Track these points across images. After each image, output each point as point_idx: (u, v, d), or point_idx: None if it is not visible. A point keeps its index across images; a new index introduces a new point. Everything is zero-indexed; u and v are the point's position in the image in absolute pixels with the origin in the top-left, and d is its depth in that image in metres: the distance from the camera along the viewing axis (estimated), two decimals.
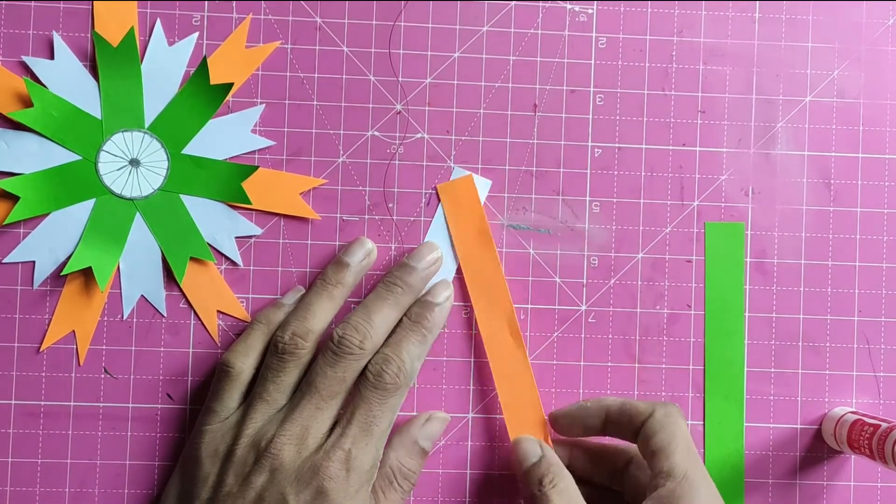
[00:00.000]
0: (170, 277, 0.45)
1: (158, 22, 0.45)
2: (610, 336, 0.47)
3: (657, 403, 0.42)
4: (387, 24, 0.46)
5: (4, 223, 0.44)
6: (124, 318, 0.45)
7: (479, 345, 0.46)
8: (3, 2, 0.45)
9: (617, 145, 0.47)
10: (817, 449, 0.47)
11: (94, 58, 0.45)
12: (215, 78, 0.45)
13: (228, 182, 0.45)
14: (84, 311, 0.45)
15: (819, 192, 0.47)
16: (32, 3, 0.45)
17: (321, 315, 0.43)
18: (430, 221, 0.46)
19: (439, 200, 0.46)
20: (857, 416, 0.44)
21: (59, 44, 0.45)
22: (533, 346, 0.46)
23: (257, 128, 0.46)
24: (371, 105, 0.46)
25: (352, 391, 0.42)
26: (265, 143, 0.46)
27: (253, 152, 0.46)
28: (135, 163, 0.45)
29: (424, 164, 0.46)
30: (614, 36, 0.47)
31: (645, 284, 0.47)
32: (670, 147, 0.47)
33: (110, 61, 0.44)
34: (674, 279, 0.47)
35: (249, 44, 0.46)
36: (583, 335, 0.46)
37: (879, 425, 0.42)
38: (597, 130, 0.47)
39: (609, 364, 0.46)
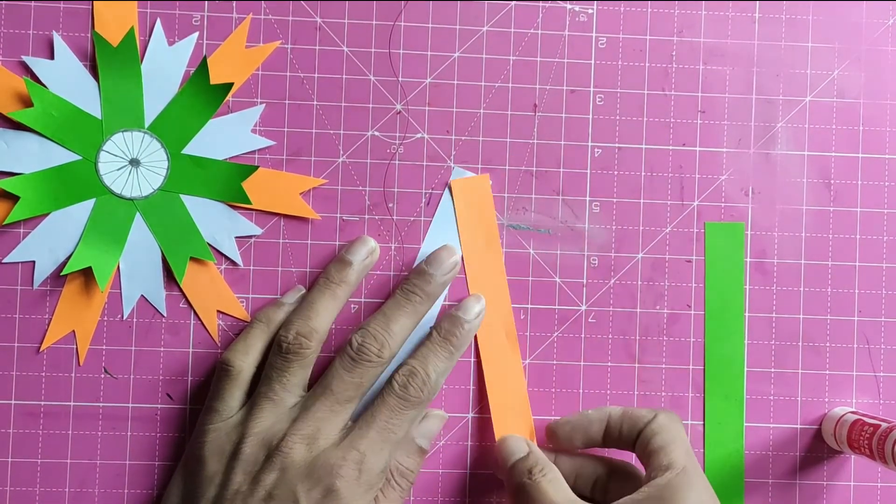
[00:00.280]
0: (170, 277, 0.45)
1: (158, 22, 0.45)
2: (610, 336, 0.47)
3: (660, 410, 0.43)
4: (387, 24, 0.46)
5: (4, 223, 0.44)
6: (124, 318, 0.45)
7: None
8: (3, 2, 0.45)
9: (617, 145, 0.47)
10: (817, 449, 0.47)
11: (94, 58, 0.45)
12: (215, 78, 0.45)
13: (228, 182, 0.45)
14: (84, 311, 0.45)
15: (819, 192, 0.47)
16: (32, 3, 0.45)
17: (325, 314, 0.43)
18: (430, 221, 0.46)
19: (440, 198, 0.46)
20: (857, 416, 0.44)
21: (59, 44, 0.45)
22: (533, 346, 0.46)
23: (257, 128, 0.46)
24: (371, 105, 0.46)
25: (374, 397, 0.42)
26: (265, 143, 0.46)
27: (253, 152, 0.46)
28: (135, 163, 0.45)
29: (424, 164, 0.46)
30: (614, 36, 0.47)
31: (645, 284, 0.47)
32: (670, 147, 0.47)
33: (110, 61, 0.44)
34: (674, 279, 0.47)
35: (249, 44, 0.46)
36: (583, 335, 0.46)
37: (879, 425, 0.42)
38: (597, 130, 0.47)
39: (609, 364, 0.46)
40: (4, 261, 0.45)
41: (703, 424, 0.46)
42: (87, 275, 0.45)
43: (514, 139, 0.46)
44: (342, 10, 0.46)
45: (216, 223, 0.45)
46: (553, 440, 0.45)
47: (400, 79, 0.46)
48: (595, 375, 0.46)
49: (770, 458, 0.46)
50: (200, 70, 0.45)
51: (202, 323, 0.45)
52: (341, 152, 0.46)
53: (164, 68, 0.45)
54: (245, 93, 0.46)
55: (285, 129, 0.46)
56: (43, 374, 0.45)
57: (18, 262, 0.45)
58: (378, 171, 0.46)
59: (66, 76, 0.45)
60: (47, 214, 0.44)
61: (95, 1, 0.45)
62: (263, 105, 0.46)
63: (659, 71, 0.47)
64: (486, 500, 0.46)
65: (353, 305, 0.46)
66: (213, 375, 0.44)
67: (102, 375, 0.45)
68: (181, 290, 0.45)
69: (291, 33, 0.46)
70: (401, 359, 0.44)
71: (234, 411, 0.43)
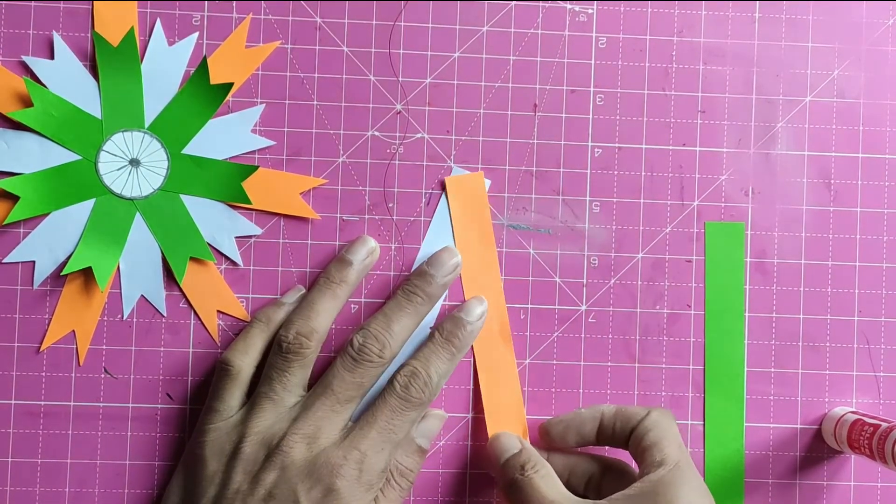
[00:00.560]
0: (170, 277, 0.45)
1: (158, 22, 0.45)
2: (610, 336, 0.47)
3: (653, 408, 0.43)
4: (387, 24, 0.46)
5: (4, 223, 0.44)
6: (124, 318, 0.45)
7: None
8: (4, 2, 0.45)
9: (617, 145, 0.47)
10: (817, 449, 0.47)
11: (94, 58, 0.45)
12: (215, 78, 0.45)
13: (228, 182, 0.45)
14: (84, 311, 0.45)
15: (819, 192, 0.47)
16: (32, 3, 0.45)
17: (325, 314, 0.43)
18: (430, 221, 0.46)
19: (440, 197, 0.46)
20: (857, 416, 0.44)
21: (59, 44, 0.45)
22: (533, 346, 0.46)
23: (257, 128, 0.46)
24: (371, 105, 0.46)
25: (375, 397, 0.42)
26: (265, 143, 0.46)
27: (253, 152, 0.46)
28: (135, 163, 0.45)
29: (424, 164, 0.46)
30: (614, 36, 0.47)
31: (645, 284, 0.47)
32: (670, 147, 0.47)
33: (110, 61, 0.44)
34: (674, 279, 0.47)
35: (249, 44, 0.46)
36: (583, 335, 0.46)
37: (879, 425, 0.42)
38: (597, 130, 0.47)
39: (609, 364, 0.46)
40: (4, 261, 0.45)
41: (703, 424, 0.46)
42: (87, 275, 0.45)
43: (514, 139, 0.46)
44: (342, 10, 0.46)
45: (216, 223, 0.45)
46: (547, 439, 0.45)
47: (400, 79, 0.46)
48: (595, 375, 0.46)
49: (770, 458, 0.46)
50: (200, 70, 0.45)
51: (202, 323, 0.45)
52: (341, 152, 0.46)
53: (164, 68, 0.45)
54: (245, 93, 0.46)
55: (285, 129, 0.46)
56: (43, 374, 0.45)
57: (18, 262, 0.45)
58: (378, 171, 0.46)
59: (66, 76, 0.45)
60: (47, 214, 0.44)
61: (95, 1, 0.45)
62: (263, 105, 0.46)
63: (659, 71, 0.47)
64: (485, 500, 0.46)
65: (353, 305, 0.46)
66: (213, 375, 0.44)
67: (102, 375, 0.45)
68: (181, 290, 0.45)
69: (291, 33, 0.46)
70: (402, 360, 0.44)
71: (234, 411, 0.43)
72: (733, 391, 0.47)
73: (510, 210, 0.46)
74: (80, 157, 0.45)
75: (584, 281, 0.47)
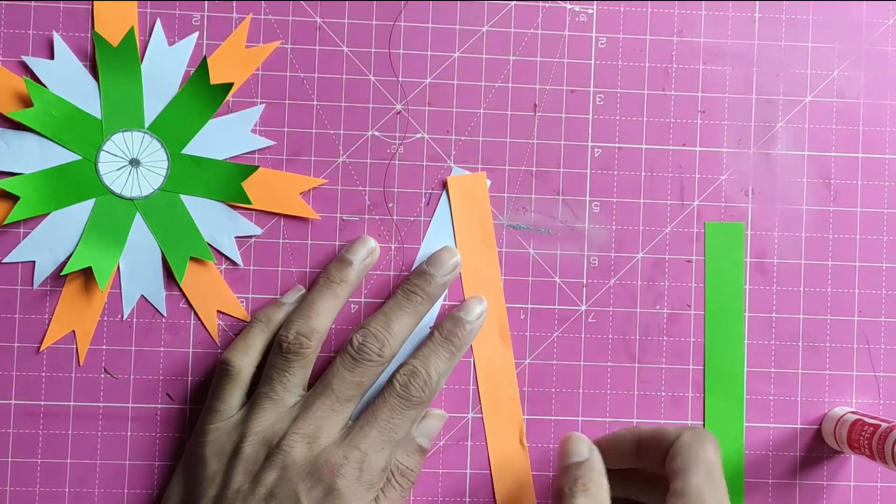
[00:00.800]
0: (170, 277, 0.45)
1: (158, 22, 0.45)
2: (610, 336, 0.47)
3: (687, 428, 0.41)
4: (387, 24, 0.46)
5: (4, 223, 0.44)
6: (124, 318, 0.45)
7: None
8: (4, 2, 0.45)
9: (617, 145, 0.47)
10: (817, 449, 0.47)
11: (94, 58, 0.45)
12: (215, 78, 0.45)
13: (228, 182, 0.45)
14: (84, 311, 0.45)
15: (819, 192, 0.47)
16: (32, 3, 0.45)
17: (325, 314, 0.43)
18: (430, 221, 0.46)
19: (440, 197, 0.46)
20: (857, 416, 0.44)
21: (59, 44, 0.45)
22: (533, 346, 0.46)
23: (257, 128, 0.46)
24: (371, 105, 0.46)
25: (374, 396, 0.42)
26: (265, 143, 0.46)
27: (253, 152, 0.46)
28: (135, 163, 0.45)
29: (424, 164, 0.46)
30: (614, 36, 0.47)
31: (645, 284, 0.47)
32: (670, 147, 0.47)
33: (110, 61, 0.44)
34: (674, 279, 0.47)
35: (249, 44, 0.46)
36: (583, 335, 0.46)
37: (879, 425, 0.42)
38: (597, 130, 0.47)
39: (609, 364, 0.46)
40: (4, 261, 0.45)
41: (703, 424, 0.46)
42: (87, 275, 0.45)
43: (514, 139, 0.46)
44: (342, 10, 0.46)
45: (216, 223, 0.45)
46: None
47: (400, 79, 0.46)
48: (595, 375, 0.46)
49: (770, 458, 0.46)
50: (200, 70, 0.45)
51: (202, 323, 0.45)
52: (341, 152, 0.46)
53: (164, 68, 0.45)
54: (245, 93, 0.46)
55: (285, 129, 0.46)
56: (43, 374, 0.45)
57: (18, 262, 0.45)
58: (378, 171, 0.46)
59: (66, 76, 0.45)
60: (47, 214, 0.44)
61: (95, 1, 0.45)
62: (263, 105, 0.46)
63: (659, 71, 0.47)
64: (486, 500, 0.46)
65: (353, 305, 0.46)
66: (213, 375, 0.44)
67: (102, 375, 0.45)
68: (181, 290, 0.45)
69: (291, 33, 0.46)
70: (401, 359, 0.44)
71: (234, 411, 0.43)
72: (733, 391, 0.47)
73: (510, 210, 0.46)
74: (80, 157, 0.45)
75: (584, 281, 0.47)
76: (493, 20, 0.46)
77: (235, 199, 0.45)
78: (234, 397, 0.43)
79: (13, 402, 0.45)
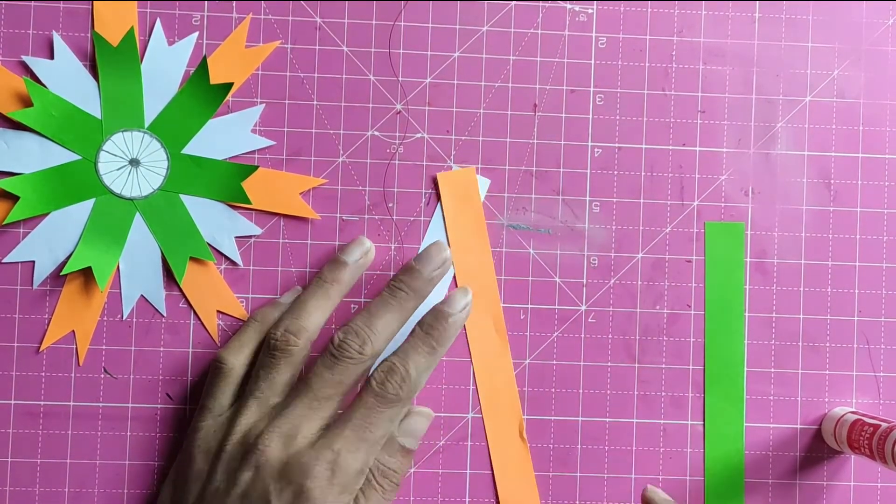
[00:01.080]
0: (169, 277, 0.45)
1: (158, 22, 0.45)
2: (610, 336, 0.47)
3: None
4: (387, 24, 0.46)
5: (4, 223, 0.44)
6: (124, 317, 0.45)
7: None
8: (4, 2, 0.45)
9: (617, 145, 0.47)
10: (817, 449, 0.47)
11: (94, 58, 0.45)
12: (215, 78, 0.45)
13: (228, 182, 0.45)
14: (84, 311, 0.45)
15: (819, 192, 0.47)
16: (32, 3, 0.45)
17: (315, 313, 0.43)
18: (430, 221, 0.46)
19: (438, 198, 0.46)
20: (856, 416, 0.44)
21: (59, 44, 0.45)
22: (533, 346, 0.46)
23: (257, 128, 0.46)
24: (371, 105, 0.46)
25: (353, 393, 0.42)
26: (265, 142, 0.46)
27: (253, 152, 0.46)
28: (135, 162, 0.45)
29: (424, 163, 0.46)
30: (614, 36, 0.47)
31: (645, 284, 0.47)
32: (670, 147, 0.47)
33: (110, 61, 0.44)
34: (674, 279, 0.47)
35: (249, 43, 0.46)
36: (583, 335, 0.46)
37: (879, 425, 0.42)
38: (597, 130, 0.47)
39: (609, 364, 0.46)
40: (4, 261, 0.45)
41: (703, 424, 0.46)
42: (86, 275, 0.45)
43: (514, 139, 0.46)
44: (342, 10, 0.46)
45: (216, 223, 0.45)
46: None
47: (400, 79, 0.46)
48: (595, 375, 0.46)
49: (770, 458, 0.46)
50: (200, 70, 0.45)
51: (202, 323, 0.45)
52: (341, 152, 0.46)
53: (163, 68, 0.45)
54: (245, 93, 0.46)
55: (285, 129, 0.46)
56: (43, 374, 0.45)
57: (18, 262, 0.45)
58: (378, 171, 0.46)
59: (66, 76, 0.45)
60: (47, 214, 0.44)
61: (95, 1, 0.45)
62: (263, 105, 0.46)
63: (659, 71, 0.47)
64: (486, 500, 0.46)
65: (352, 305, 0.46)
66: (208, 373, 0.44)
67: (102, 375, 0.45)
68: (181, 290, 0.45)
69: (291, 33, 0.46)
70: None
71: (224, 409, 0.42)
72: (733, 391, 0.47)
73: (510, 210, 0.46)
74: (79, 157, 0.44)
75: (584, 281, 0.47)
76: (493, 20, 0.46)
77: (235, 199, 0.45)
78: (225, 395, 0.43)
79: (13, 402, 0.45)
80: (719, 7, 0.47)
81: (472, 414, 0.46)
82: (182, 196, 0.45)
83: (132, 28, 0.44)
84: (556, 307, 0.46)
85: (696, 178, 0.47)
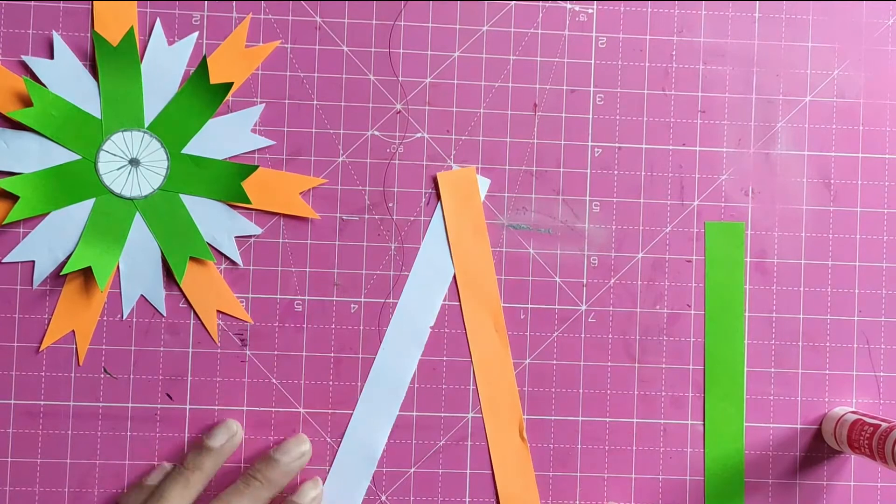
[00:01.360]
0: (169, 277, 0.45)
1: (158, 21, 0.45)
2: (610, 336, 0.46)
3: None
4: (387, 24, 0.46)
5: (4, 223, 0.44)
6: (124, 317, 0.45)
7: None
8: (4, 2, 0.45)
9: (617, 145, 0.47)
10: (817, 449, 0.47)
11: (93, 57, 0.45)
12: (215, 77, 0.45)
13: (228, 182, 0.45)
14: (84, 311, 0.45)
15: (819, 191, 0.47)
16: (32, 3, 0.45)
17: (174, 502, 0.42)
18: (430, 221, 0.46)
19: (438, 198, 0.46)
20: (857, 416, 0.44)
21: (59, 43, 0.45)
22: (533, 346, 0.46)
23: (257, 127, 0.46)
24: (371, 105, 0.46)
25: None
26: (265, 142, 0.46)
27: (253, 152, 0.46)
28: (134, 162, 0.45)
29: (424, 163, 0.46)
30: (614, 36, 0.47)
31: (645, 284, 0.47)
32: (670, 147, 0.47)
33: (110, 61, 0.44)
34: (674, 279, 0.47)
35: (249, 43, 0.46)
36: (583, 335, 0.46)
37: (879, 425, 0.42)
38: (597, 130, 0.47)
39: (609, 364, 0.46)
40: (4, 260, 0.45)
41: (703, 424, 0.46)
42: (86, 274, 0.45)
43: (514, 139, 0.46)
44: (342, 9, 0.46)
45: (216, 223, 0.45)
46: None
47: (400, 78, 0.46)
48: (595, 375, 0.46)
49: (770, 458, 0.46)
50: (200, 70, 0.45)
51: (202, 323, 0.45)
52: (341, 152, 0.46)
53: (163, 68, 0.45)
54: (245, 92, 0.46)
55: (285, 129, 0.46)
56: (42, 373, 0.45)
57: (18, 262, 0.45)
58: (378, 170, 0.46)
59: (66, 76, 0.45)
60: (47, 214, 0.44)
61: (95, 1, 0.45)
62: (263, 105, 0.46)
63: (659, 71, 0.47)
64: (486, 500, 0.46)
65: (352, 305, 0.46)
66: None
67: (102, 375, 0.45)
68: (181, 289, 0.45)
69: (291, 33, 0.46)
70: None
71: None
72: (733, 391, 0.47)
73: (510, 210, 0.46)
74: (79, 157, 0.44)
75: (584, 281, 0.47)
76: (493, 20, 0.46)
77: (235, 198, 0.45)
78: None
79: (13, 401, 0.45)
80: (719, 7, 0.47)
81: (472, 414, 0.46)
82: (182, 196, 0.45)
83: (132, 28, 0.44)
84: (556, 307, 0.46)
85: (696, 178, 0.47)
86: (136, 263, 0.45)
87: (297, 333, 0.46)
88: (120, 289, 0.45)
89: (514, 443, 0.46)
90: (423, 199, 0.46)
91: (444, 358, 0.46)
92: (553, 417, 0.46)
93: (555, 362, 0.46)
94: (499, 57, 0.46)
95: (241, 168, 0.45)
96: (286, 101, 0.46)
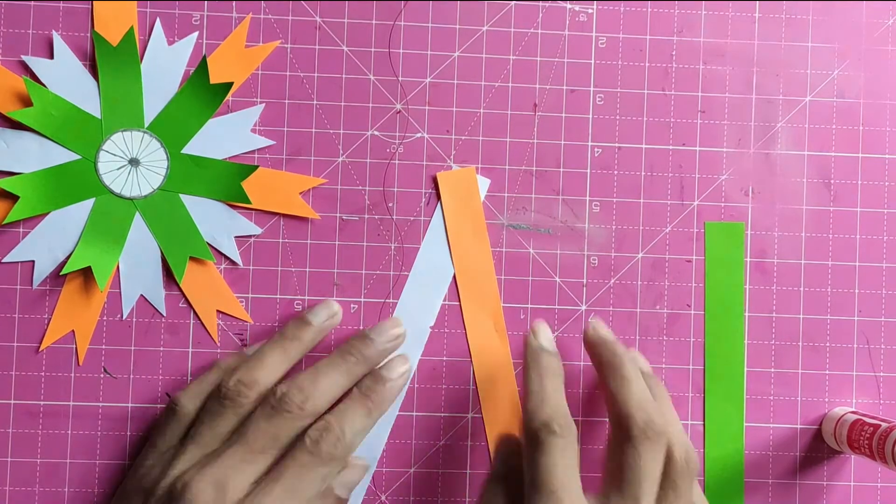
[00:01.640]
0: (169, 277, 0.45)
1: (158, 21, 0.45)
2: None
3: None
4: (387, 24, 0.46)
5: (4, 223, 0.44)
6: (124, 317, 0.45)
7: None
8: (4, 2, 0.45)
9: (617, 145, 0.47)
10: (817, 449, 0.47)
11: (93, 57, 0.45)
12: (215, 77, 0.45)
13: (228, 181, 0.45)
14: (83, 311, 0.45)
15: (819, 191, 0.47)
16: (32, 3, 0.45)
17: (271, 367, 0.42)
18: (430, 221, 0.46)
19: (438, 198, 0.46)
20: (856, 416, 0.44)
21: (59, 43, 0.45)
22: None
23: (257, 127, 0.46)
24: (371, 105, 0.46)
25: (286, 449, 0.41)
26: (265, 142, 0.46)
27: (253, 152, 0.46)
28: (134, 162, 0.45)
29: (424, 163, 0.46)
30: (614, 36, 0.47)
31: (645, 284, 0.47)
32: (670, 147, 0.47)
33: (110, 61, 0.44)
34: (674, 279, 0.47)
35: (249, 43, 0.46)
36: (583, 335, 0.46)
37: (879, 425, 0.42)
38: (597, 130, 0.47)
39: None
40: (4, 260, 0.45)
41: (703, 424, 0.46)
42: (86, 274, 0.45)
43: (513, 139, 0.46)
44: (342, 9, 0.46)
45: (216, 223, 0.45)
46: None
47: (400, 78, 0.46)
48: (595, 375, 0.46)
49: (770, 458, 0.46)
50: (200, 69, 0.45)
51: (202, 323, 0.45)
52: (341, 152, 0.46)
53: (163, 68, 0.45)
54: (245, 92, 0.46)
55: (285, 129, 0.46)
56: (42, 373, 0.45)
57: (18, 262, 0.45)
58: (378, 170, 0.46)
59: (66, 76, 0.45)
60: (46, 214, 0.44)
61: (95, 1, 0.45)
62: (263, 105, 0.46)
63: (659, 71, 0.47)
64: None
65: (352, 305, 0.46)
66: (162, 411, 0.44)
67: (102, 375, 0.45)
68: (181, 289, 0.45)
69: (291, 33, 0.46)
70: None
71: (169, 450, 0.42)
72: (733, 391, 0.47)
73: (510, 210, 0.46)
74: (79, 157, 0.44)
75: (584, 281, 0.46)
76: (493, 20, 0.46)
77: (235, 198, 0.45)
78: (174, 436, 0.42)
79: (12, 401, 0.45)
80: (719, 7, 0.47)
81: (472, 414, 0.46)
82: (182, 196, 0.45)
83: (132, 28, 0.44)
84: (556, 307, 0.46)
85: (696, 178, 0.47)
86: (136, 263, 0.45)
87: None
88: (120, 289, 0.45)
89: None
90: (423, 199, 0.46)
91: (444, 358, 0.46)
92: None
93: None
94: (499, 57, 0.46)
95: (241, 168, 0.45)
96: (286, 101, 0.46)
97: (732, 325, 0.47)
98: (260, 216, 0.46)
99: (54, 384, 0.45)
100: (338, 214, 0.46)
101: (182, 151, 0.45)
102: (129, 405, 0.45)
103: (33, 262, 0.45)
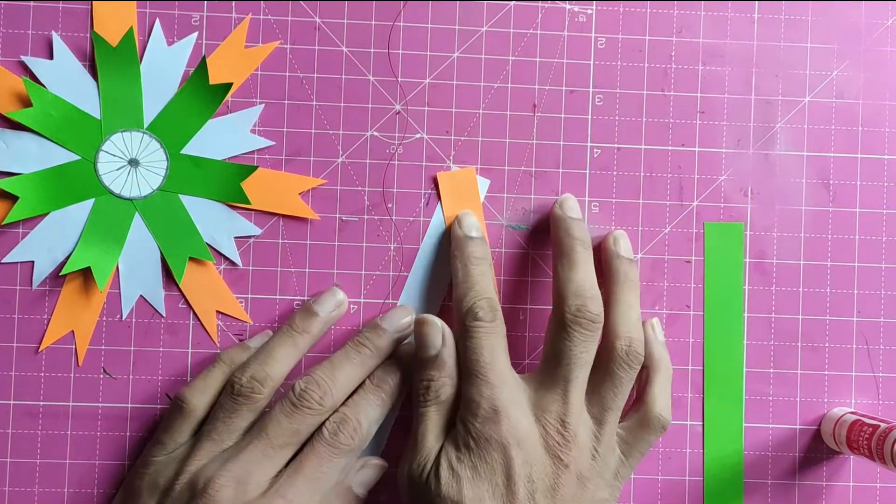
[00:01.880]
0: (169, 277, 0.45)
1: (157, 22, 0.45)
2: None
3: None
4: (386, 24, 0.46)
5: (3, 223, 0.44)
6: (123, 318, 0.45)
7: None
8: (3, 2, 0.45)
9: (616, 145, 0.47)
10: (816, 449, 0.47)
11: (93, 58, 0.45)
12: (214, 78, 0.45)
13: (228, 182, 0.45)
14: (83, 311, 0.45)
15: (818, 192, 0.47)
16: (32, 3, 0.45)
17: (282, 361, 0.43)
18: (429, 222, 0.46)
19: (439, 198, 0.46)
20: (856, 417, 0.44)
21: (59, 44, 0.45)
22: (532, 347, 0.46)
23: (256, 128, 0.46)
24: (370, 105, 0.46)
25: (305, 443, 0.42)
26: (264, 143, 0.46)
27: (252, 152, 0.46)
28: (134, 163, 0.45)
29: (424, 164, 0.46)
30: (613, 36, 0.47)
31: (644, 285, 0.47)
32: (669, 147, 0.47)
33: (109, 61, 0.44)
34: (673, 279, 0.47)
35: (249, 44, 0.46)
36: None
37: (878, 426, 0.43)
38: (596, 130, 0.47)
39: None
40: (3, 261, 0.45)
41: (703, 425, 0.46)
42: (86, 275, 0.45)
43: (513, 139, 0.46)
44: (342, 10, 0.46)
45: (215, 223, 0.45)
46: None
47: (399, 79, 0.46)
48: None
49: (769, 459, 0.46)
50: (200, 70, 0.45)
51: (201, 323, 0.45)
52: (340, 152, 0.46)
53: (163, 68, 0.45)
54: (244, 93, 0.46)
55: (284, 129, 0.46)
56: (42, 374, 0.45)
57: (17, 262, 0.45)
58: (377, 171, 0.46)
59: (66, 76, 0.45)
60: (46, 214, 0.44)
61: (94, 1, 0.45)
62: (263, 105, 0.46)
63: (658, 71, 0.47)
64: None
65: (352, 306, 0.46)
66: (168, 409, 0.44)
67: (101, 375, 0.45)
68: (180, 290, 0.45)
69: (291, 33, 0.46)
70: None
71: (178, 446, 0.42)
72: (732, 392, 0.47)
73: (509, 210, 0.46)
74: (79, 157, 0.44)
75: None
76: (493, 20, 0.46)
77: (235, 199, 0.45)
78: (182, 433, 0.42)
79: (12, 402, 0.45)
80: (719, 7, 0.47)
81: None
82: (181, 196, 0.45)
83: (131, 28, 0.44)
84: None
85: (696, 179, 0.47)
86: (136, 264, 0.45)
87: None
88: (119, 289, 0.45)
89: None
90: (423, 200, 0.46)
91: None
92: None
93: None
94: (498, 57, 0.46)
95: (241, 168, 0.45)
96: (285, 102, 0.46)
97: (732, 326, 0.47)
98: (259, 217, 0.46)
99: (54, 384, 0.45)
100: (337, 215, 0.46)
101: (181, 152, 0.45)
102: (129, 405, 0.45)
103: (33, 262, 0.45)
